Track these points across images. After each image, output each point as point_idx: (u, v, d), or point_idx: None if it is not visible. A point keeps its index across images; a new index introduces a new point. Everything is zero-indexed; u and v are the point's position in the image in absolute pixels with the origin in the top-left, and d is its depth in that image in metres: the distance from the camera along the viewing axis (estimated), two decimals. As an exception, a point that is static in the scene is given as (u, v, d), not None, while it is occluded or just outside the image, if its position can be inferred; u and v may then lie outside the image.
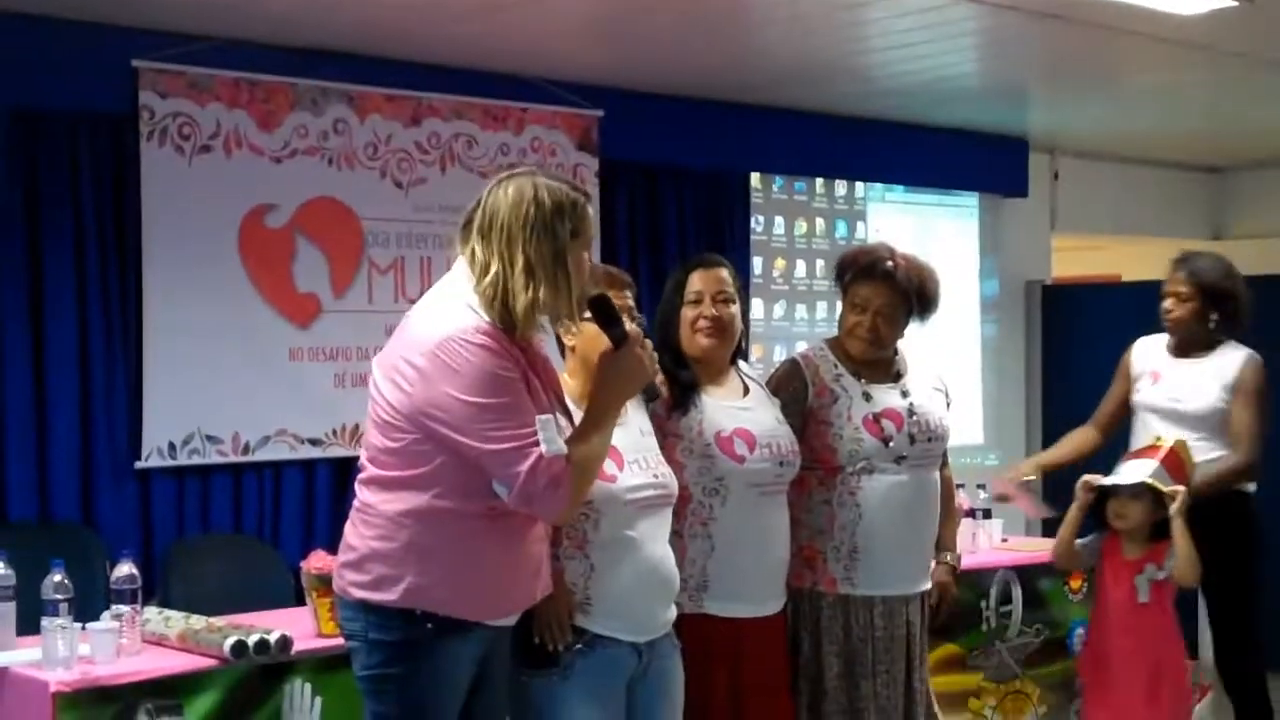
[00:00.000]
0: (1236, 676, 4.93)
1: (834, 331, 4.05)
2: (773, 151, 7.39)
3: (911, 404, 3.91)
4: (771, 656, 3.67)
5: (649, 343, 3.05)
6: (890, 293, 3.86)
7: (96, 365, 5.37)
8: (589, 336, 3.33)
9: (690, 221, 7.10)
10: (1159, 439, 4.55)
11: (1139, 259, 9.91)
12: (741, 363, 3.83)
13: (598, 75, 6.52)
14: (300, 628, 3.74)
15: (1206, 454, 4.70)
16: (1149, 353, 5.04)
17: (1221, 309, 4.87)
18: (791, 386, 3.88)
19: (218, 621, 3.73)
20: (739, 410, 3.65)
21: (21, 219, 5.24)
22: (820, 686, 3.77)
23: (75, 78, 5.25)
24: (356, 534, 2.99)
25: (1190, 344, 4.92)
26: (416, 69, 6.08)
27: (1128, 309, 7.77)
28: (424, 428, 2.88)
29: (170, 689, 3.45)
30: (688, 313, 3.66)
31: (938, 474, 4.01)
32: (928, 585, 3.97)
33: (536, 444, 2.85)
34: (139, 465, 5.44)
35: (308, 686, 3.63)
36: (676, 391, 3.58)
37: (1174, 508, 4.29)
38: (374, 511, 2.96)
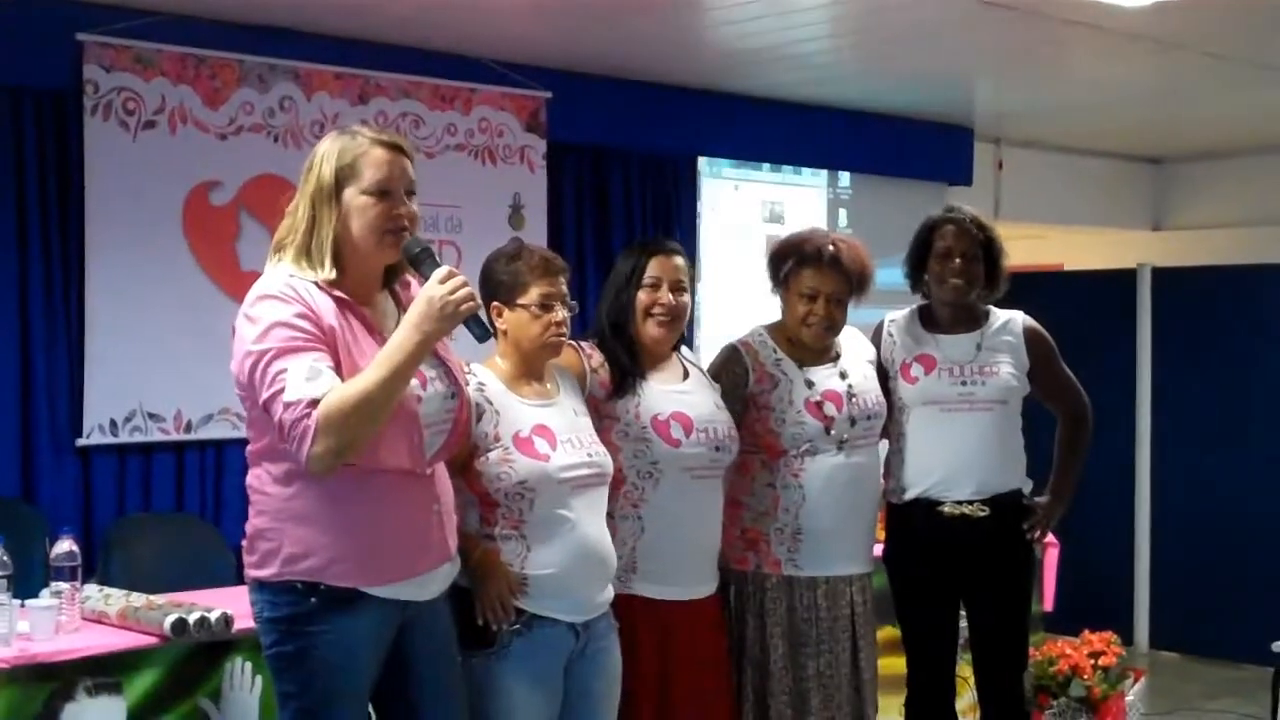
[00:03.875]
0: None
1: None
2: (719, 136, 7.42)
3: (850, 385, 3.93)
4: (703, 639, 3.67)
5: (461, 279, 2.86)
6: (838, 278, 3.86)
7: (37, 341, 5.33)
8: (517, 320, 3.35)
9: (637, 204, 7.11)
10: None
11: (1081, 248, 10.02)
12: (684, 349, 3.83)
13: (546, 57, 6.51)
14: (241, 606, 3.71)
15: (1003, 448, 4.13)
16: (904, 335, 4.21)
17: (992, 266, 4.17)
18: (732, 372, 3.89)
19: (158, 599, 3.72)
20: (678, 394, 3.66)
21: (-37, 192, 5.20)
22: (765, 669, 3.79)
23: (19, 50, 5.21)
24: (249, 516, 2.97)
25: (965, 315, 4.20)
26: (364, 47, 6.05)
27: (1071, 299, 7.93)
28: (245, 390, 2.87)
29: (110, 667, 3.45)
30: (643, 297, 3.63)
31: (879, 454, 4.04)
32: (870, 567, 4.00)
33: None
34: (80, 442, 5.40)
35: (248, 665, 3.63)
36: (616, 375, 3.59)
37: None
38: (252, 490, 2.95)
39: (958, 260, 4.11)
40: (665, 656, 3.56)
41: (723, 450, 3.67)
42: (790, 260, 3.90)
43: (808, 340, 3.91)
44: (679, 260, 3.68)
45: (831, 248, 3.87)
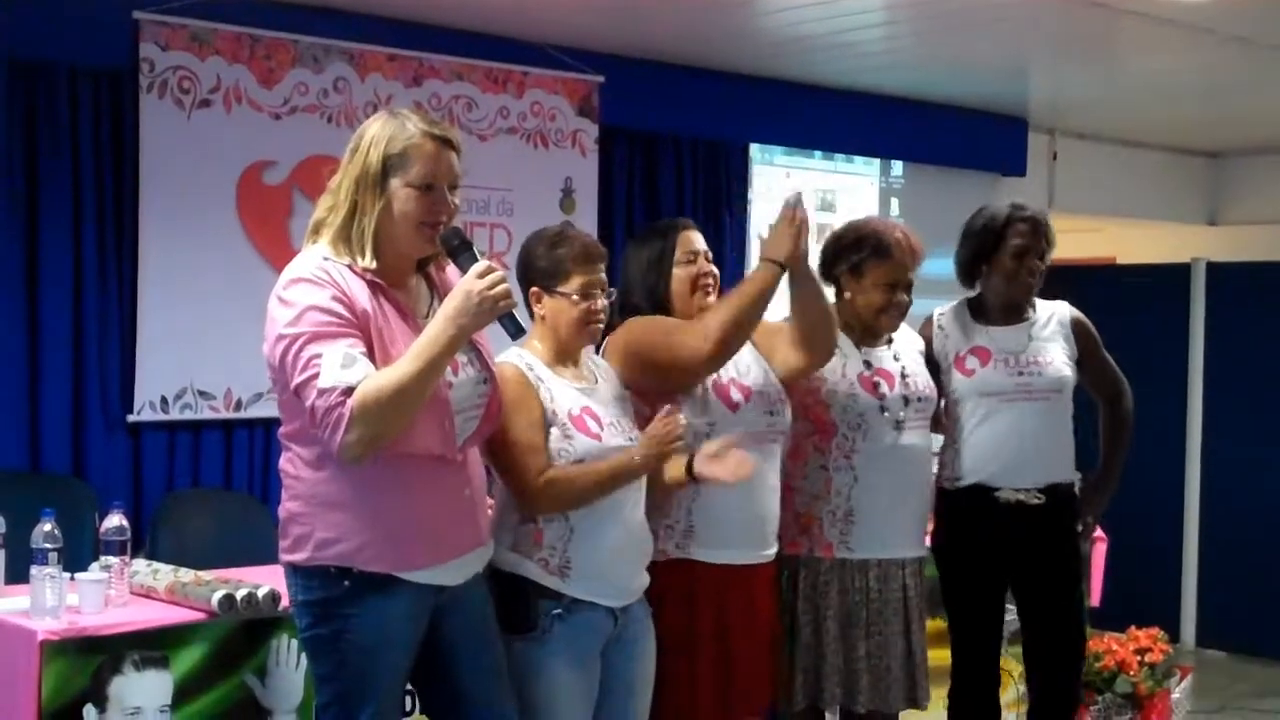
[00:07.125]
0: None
1: None
2: (772, 123, 7.40)
3: (903, 366, 3.96)
4: (758, 604, 3.69)
5: (499, 275, 2.83)
6: (910, 267, 3.91)
7: (90, 317, 5.36)
8: (556, 307, 3.35)
9: (688, 190, 7.10)
10: None
11: (1135, 242, 9.94)
12: None
13: (599, 41, 6.51)
14: (288, 583, 3.75)
15: (1058, 438, 4.17)
16: (955, 328, 4.24)
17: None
18: None
19: (206, 575, 3.74)
20: (729, 363, 3.65)
21: (19, 170, 5.22)
22: (818, 651, 3.81)
23: (76, 28, 5.24)
24: (282, 501, 2.98)
25: (1015, 307, 4.22)
26: (419, 29, 6.06)
27: (1124, 292, 7.86)
28: (277, 373, 2.86)
29: (157, 641, 3.47)
30: (687, 272, 3.66)
31: (929, 438, 4.05)
32: (923, 551, 4.01)
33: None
34: (131, 418, 5.45)
35: (294, 642, 3.64)
36: None
37: None
38: (285, 473, 2.97)
39: (1036, 260, 4.15)
40: (723, 619, 3.58)
41: (777, 414, 3.69)
42: (865, 251, 3.90)
43: (885, 327, 3.95)
44: (699, 234, 3.74)
45: (903, 237, 3.90)
